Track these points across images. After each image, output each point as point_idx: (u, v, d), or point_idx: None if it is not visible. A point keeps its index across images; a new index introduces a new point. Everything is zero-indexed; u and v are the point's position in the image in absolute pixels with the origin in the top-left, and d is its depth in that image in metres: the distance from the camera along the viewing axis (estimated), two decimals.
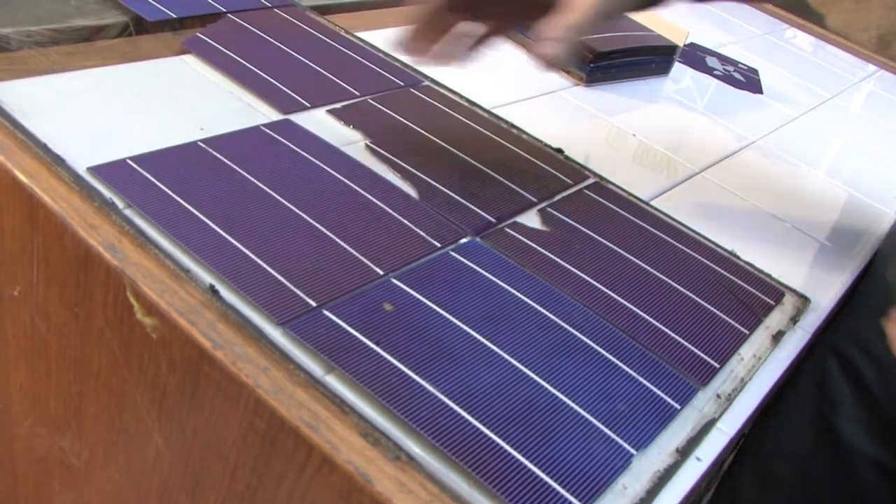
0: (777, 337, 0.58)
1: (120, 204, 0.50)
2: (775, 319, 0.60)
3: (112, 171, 0.52)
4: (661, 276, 0.59)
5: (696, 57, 1.12)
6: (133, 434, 0.51)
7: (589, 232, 0.61)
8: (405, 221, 0.56)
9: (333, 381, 0.43)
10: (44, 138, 0.53)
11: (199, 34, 0.72)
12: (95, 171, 0.52)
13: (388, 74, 0.76)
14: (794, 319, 0.60)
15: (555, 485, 0.40)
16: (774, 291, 0.62)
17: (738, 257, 0.65)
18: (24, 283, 0.54)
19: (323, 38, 0.79)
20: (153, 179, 0.52)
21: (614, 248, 0.61)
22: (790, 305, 0.62)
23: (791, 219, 0.76)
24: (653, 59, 0.98)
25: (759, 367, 0.54)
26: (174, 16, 0.73)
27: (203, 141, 0.58)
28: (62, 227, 0.49)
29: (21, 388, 0.59)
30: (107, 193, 0.50)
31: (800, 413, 0.74)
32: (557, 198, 0.65)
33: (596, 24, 0.62)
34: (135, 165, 0.53)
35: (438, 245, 0.55)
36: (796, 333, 0.59)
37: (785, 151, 0.92)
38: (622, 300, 0.55)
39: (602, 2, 0.60)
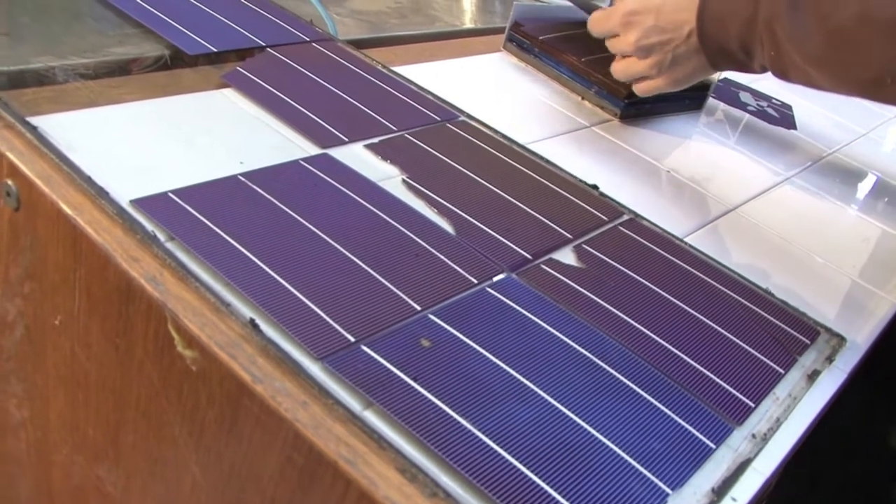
0: (813, 376, 0.57)
1: (162, 237, 0.51)
2: (811, 358, 0.59)
3: (154, 204, 0.53)
4: (695, 313, 0.59)
5: (729, 92, 1.13)
6: (170, 464, 0.52)
7: (624, 269, 0.62)
8: (442, 257, 0.56)
9: (371, 417, 0.43)
10: (88, 171, 0.54)
11: (238, 68, 0.73)
12: (138, 203, 0.52)
13: (424, 109, 0.77)
14: (830, 359, 0.60)
15: None
16: (809, 330, 0.62)
17: (772, 295, 0.65)
18: (66, 313, 0.55)
19: (360, 72, 0.80)
20: (194, 212, 0.53)
21: (649, 285, 0.61)
22: (826, 344, 0.62)
23: (825, 256, 0.76)
24: (687, 95, 0.99)
25: (794, 407, 0.54)
26: (214, 49, 0.74)
27: (243, 175, 0.58)
28: (105, 259, 0.49)
29: (60, 417, 0.60)
30: (149, 226, 0.51)
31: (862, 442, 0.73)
32: (593, 234, 0.65)
33: (672, 90, 0.85)
34: (176, 199, 0.54)
35: (475, 281, 0.55)
36: (832, 373, 0.59)
37: (819, 188, 0.91)
38: (657, 338, 0.55)
39: (676, 82, 0.83)
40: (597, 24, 0.86)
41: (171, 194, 0.54)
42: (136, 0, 0.79)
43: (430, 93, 0.81)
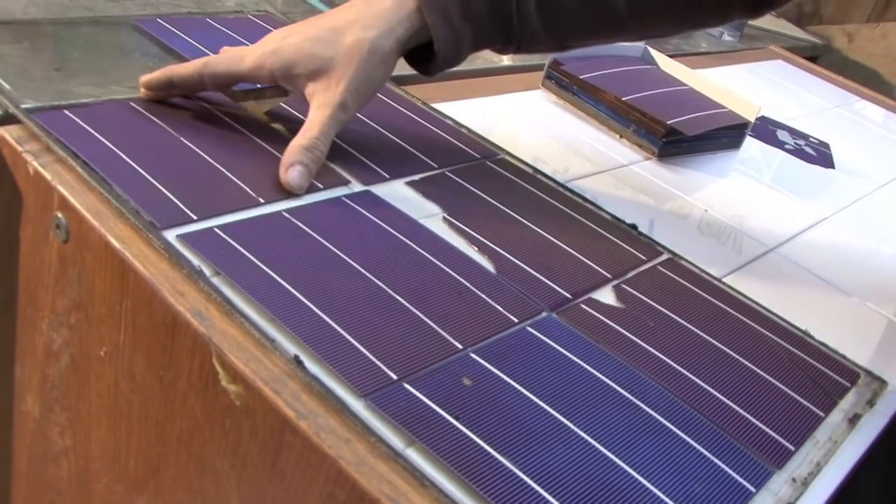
0: (853, 420, 0.57)
1: (208, 272, 0.51)
2: (851, 402, 0.59)
3: (200, 239, 0.54)
4: (734, 354, 0.59)
5: (767, 131, 1.13)
6: (211, 498, 0.52)
7: (663, 309, 0.62)
8: (483, 296, 0.57)
9: (414, 455, 0.43)
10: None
11: (282, 104, 0.74)
12: (184, 238, 0.53)
13: (464, 147, 0.77)
14: (871, 402, 0.60)
15: None
16: (849, 373, 0.62)
17: (811, 337, 0.65)
18: (111, 344, 0.56)
19: (401, 108, 0.81)
20: (240, 248, 0.54)
21: (688, 325, 0.61)
22: (866, 387, 0.61)
23: (865, 297, 0.76)
24: (725, 133, 0.99)
25: (835, 451, 0.54)
26: (257, 85, 0.75)
27: (287, 211, 0.59)
28: (151, 292, 0.50)
29: (101, 447, 0.60)
30: (195, 261, 0.52)
31: (870, 486, 0.72)
32: (632, 274, 0.65)
33: (332, 136, 0.65)
34: (222, 234, 0.55)
35: (516, 320, 0.55)
36: (873, 417, 0.58)
37: (858, 228, 0.91)
38: (696, 379, 0.55)
39: (334, 117, 0.64)
40: None
41: (216, 229, 0.55)
42: (181, 36, 0.81)
43: (469, 130, 0.82)
